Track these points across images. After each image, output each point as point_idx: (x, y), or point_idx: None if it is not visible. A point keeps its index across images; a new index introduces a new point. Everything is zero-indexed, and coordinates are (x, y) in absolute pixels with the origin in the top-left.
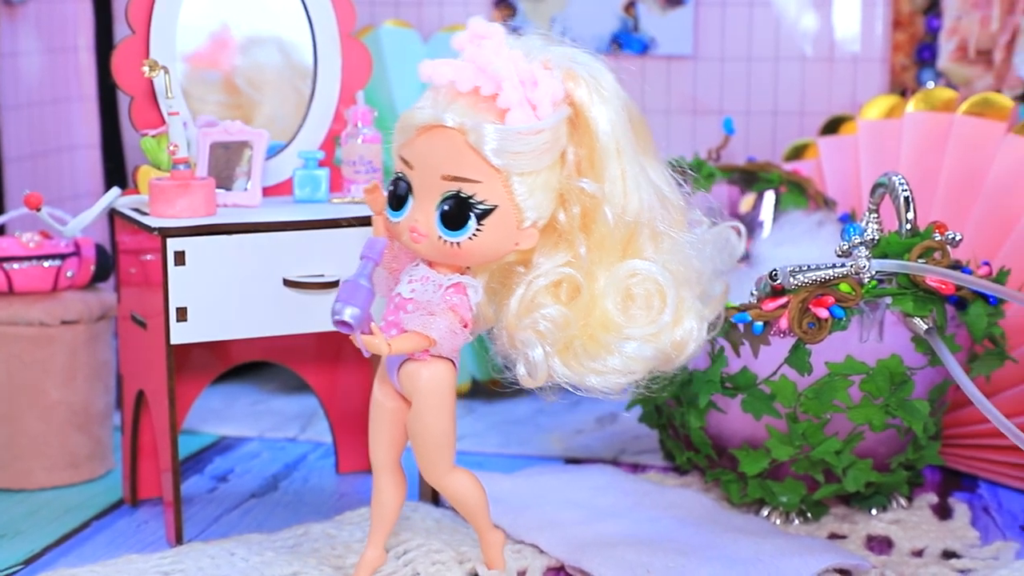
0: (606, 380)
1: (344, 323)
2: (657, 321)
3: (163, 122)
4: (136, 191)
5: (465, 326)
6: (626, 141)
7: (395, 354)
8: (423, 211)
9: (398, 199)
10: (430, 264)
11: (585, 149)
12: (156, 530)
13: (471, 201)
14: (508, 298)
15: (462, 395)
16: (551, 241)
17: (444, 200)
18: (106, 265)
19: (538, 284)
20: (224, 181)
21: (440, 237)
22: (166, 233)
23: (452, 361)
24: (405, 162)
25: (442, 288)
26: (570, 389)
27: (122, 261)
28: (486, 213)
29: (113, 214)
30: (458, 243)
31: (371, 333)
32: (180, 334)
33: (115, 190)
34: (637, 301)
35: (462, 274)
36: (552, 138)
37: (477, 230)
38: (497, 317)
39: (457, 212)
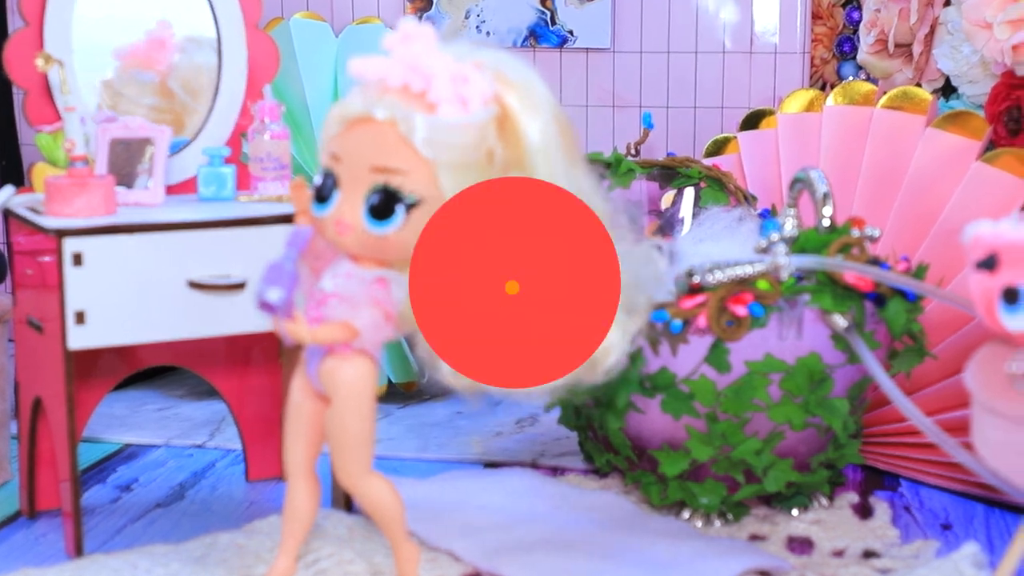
0: None
1: (268, 305)
2: None
3: (59, 118)
4: (31, 189)
5: (389, 320)
6: (555, 150)
7: (316, 343)
8: (350, 204)
9: (324, 195)
10: (354, 259)
11: (513, 153)
12: (55, 543)
13: (398, 194)
14: None
15: (378, 398)
16: None
17: (372, 193)
18: (0, 267)
19: None
20: (125, 179)
21: (366, 230)
22: (63, 233)
23: (373, 359)
24: (333, 156)
25: (366, 282)
26: (493, 393)
27: (17, 263)
28: (413, 206)
29: (7, 214)
30: (385, 236)
31: (293, 320)
32: (78, 338)
33: (9, 188)
34: None
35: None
36: (480, 135)
37: (404, 223)
38: None
39: (384, 205)
